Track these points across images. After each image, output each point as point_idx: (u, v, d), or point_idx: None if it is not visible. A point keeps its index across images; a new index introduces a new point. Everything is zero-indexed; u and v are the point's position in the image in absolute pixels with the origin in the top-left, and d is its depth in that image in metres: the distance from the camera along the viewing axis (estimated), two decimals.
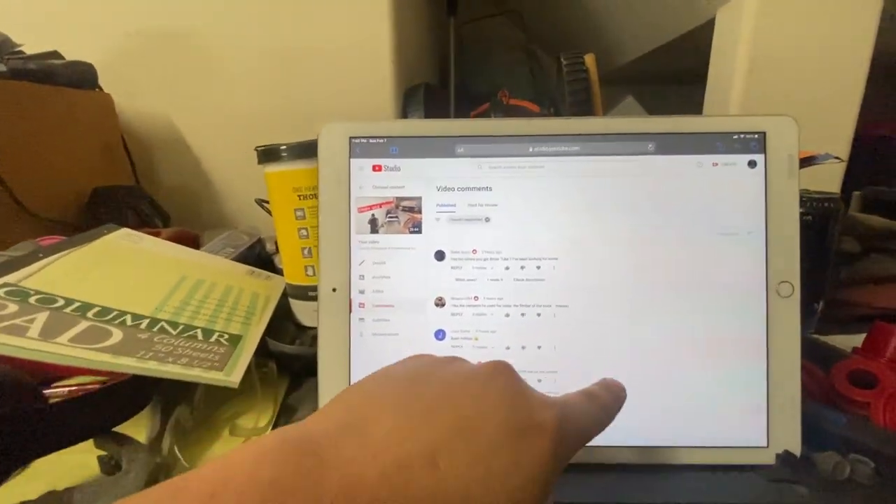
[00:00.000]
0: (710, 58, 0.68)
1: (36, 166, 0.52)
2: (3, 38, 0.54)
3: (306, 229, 0.40)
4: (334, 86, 0.67)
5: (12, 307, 0.27)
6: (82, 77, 0.60)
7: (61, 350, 0.25)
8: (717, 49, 0.67)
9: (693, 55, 0.72)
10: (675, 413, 0.26)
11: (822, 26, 0.59)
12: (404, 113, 0.67)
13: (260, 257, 0.54)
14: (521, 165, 0.27)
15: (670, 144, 0.27)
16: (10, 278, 0.30)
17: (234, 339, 0.33)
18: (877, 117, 0.67)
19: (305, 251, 0.40)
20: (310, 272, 0.40)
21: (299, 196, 0.39)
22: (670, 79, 0.99)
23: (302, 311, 0.42)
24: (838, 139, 0.62)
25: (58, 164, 0.55)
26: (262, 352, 0.35)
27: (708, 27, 0.67)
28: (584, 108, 0.60)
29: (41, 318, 0.27)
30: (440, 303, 0.27)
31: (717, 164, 0.26)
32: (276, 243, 0.51)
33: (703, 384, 0.26)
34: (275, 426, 0.30)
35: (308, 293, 0.41)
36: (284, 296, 0.43)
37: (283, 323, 0.41)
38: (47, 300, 0.29)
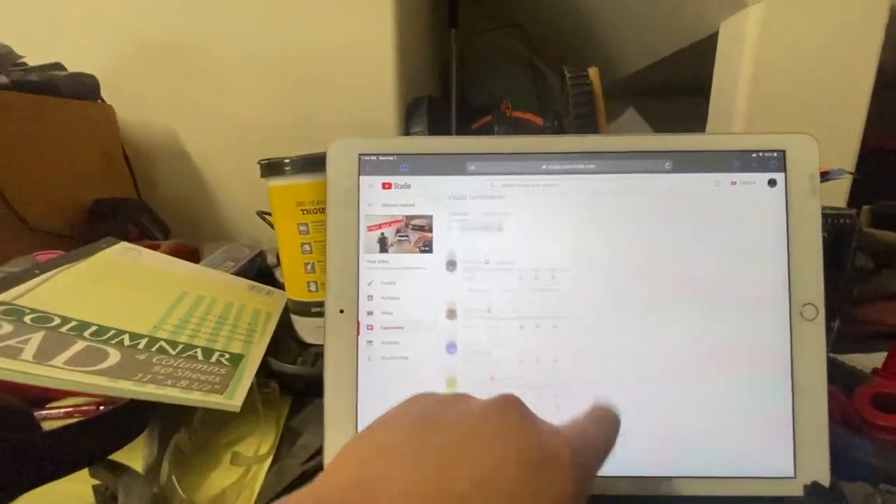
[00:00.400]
0: (714, 70, 0.67)
1: (36, 178, 0.52)
2: (5, 51, 0.53)
3: (309, 244, 0.39)
4: (336, 97, 0.66)
5: (7, 327, 0.26)
6: (84, 88, 0.59)
7: (56, 374, 0.24)
8: (721, 61, 0.67)
9: (697, 67, 0.71)
10: (696, 441, 0.25)
11: (826, 38, 0.59)
12: (407, 125, 0.66)
13: (261, 270, 0.53)
14: (535, 184, 0.26)
15: (687, 162, 0.26)
16: (6, 296, 0.29)
17: (236, 359, 0.32)
18: (882, 130, 0.67)
19: (308, 266, 0.39)
20: (312, 288, 0.39)
21: (303, 211, 0.38)
22: (674, 91, 0.99)
23: (304, 327, 0.41)
24: (844, 152, 0.61)
25: (58, 175, 0.55)
26: (264, 371, 0.34)
27: (712, 39, 0.67)
28: (587, 121, 0.59)
29: (36, 338, 0.26)
30: (452, 315, 0.26)
31: (735, 183, 0.26)
32: (277, 255, 0.50)
33: (726, 411, 0.25)
34: (277, 451, 0.29)
35: (311, 309, 0.40)
36: (286, 311, 0.42)
37: (284, 340, 0.40)
38: (43, 319, 0.28)
